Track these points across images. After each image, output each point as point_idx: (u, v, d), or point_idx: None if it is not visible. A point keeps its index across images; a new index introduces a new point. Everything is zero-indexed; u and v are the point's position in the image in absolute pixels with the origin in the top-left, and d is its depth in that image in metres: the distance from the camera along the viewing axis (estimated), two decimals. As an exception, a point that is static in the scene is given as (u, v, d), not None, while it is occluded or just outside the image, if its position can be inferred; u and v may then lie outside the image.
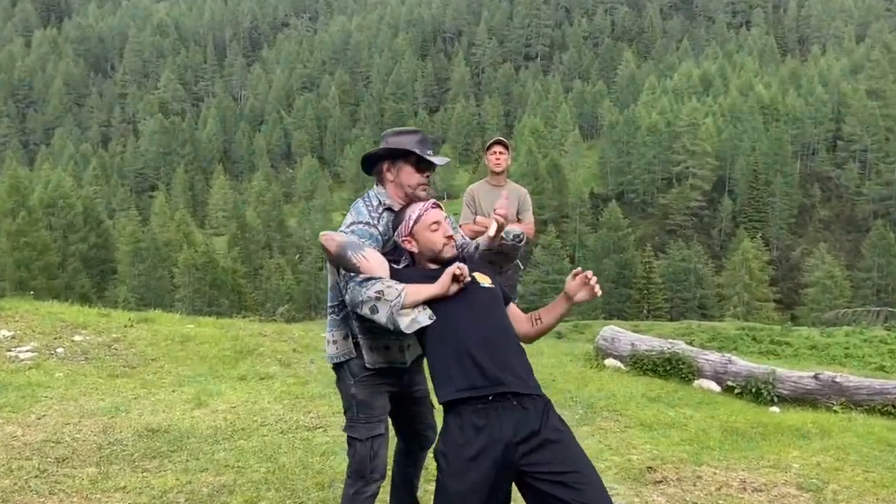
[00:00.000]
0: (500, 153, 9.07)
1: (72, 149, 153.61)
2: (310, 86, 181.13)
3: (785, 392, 10.43)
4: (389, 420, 4.91)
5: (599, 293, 4.32)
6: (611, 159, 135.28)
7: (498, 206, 4.68)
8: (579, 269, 4.40)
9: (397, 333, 4.25)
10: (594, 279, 4.30)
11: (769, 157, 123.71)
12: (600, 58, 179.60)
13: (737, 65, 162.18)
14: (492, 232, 4.66)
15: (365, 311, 4.20)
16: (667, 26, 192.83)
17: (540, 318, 4.51)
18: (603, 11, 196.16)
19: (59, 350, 10.53)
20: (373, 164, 4.77)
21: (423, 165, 4.64)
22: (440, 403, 4.06)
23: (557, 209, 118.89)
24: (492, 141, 9.24)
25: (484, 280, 4.45)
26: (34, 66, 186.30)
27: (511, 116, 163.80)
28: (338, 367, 4.76)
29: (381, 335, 4.53)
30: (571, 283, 4.34)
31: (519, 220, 8.96)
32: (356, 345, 4.66)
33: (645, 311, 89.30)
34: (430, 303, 4.20)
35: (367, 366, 4.63)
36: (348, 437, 4.75)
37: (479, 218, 8.82)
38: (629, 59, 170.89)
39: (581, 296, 4.33)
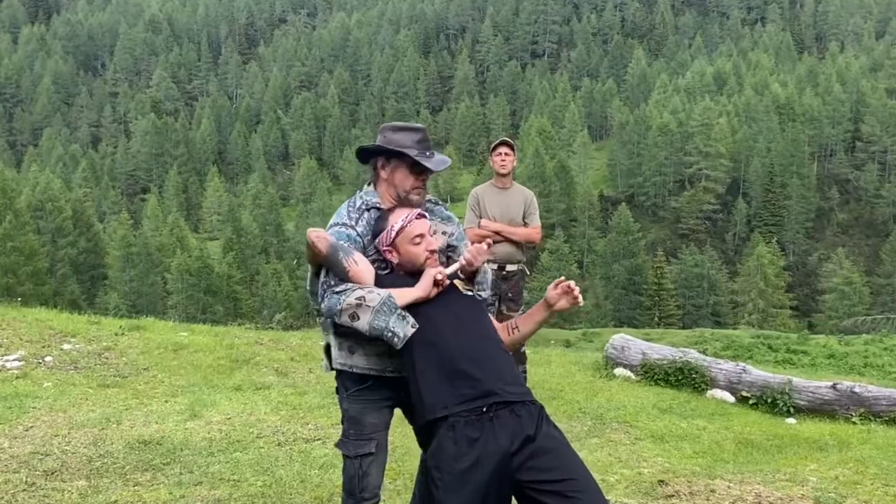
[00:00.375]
0: (506, 154, 9.07)
1: (60, 150, 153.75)
2: (308, 84, 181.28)
3: (802, 403, 10.42)
4: (394, 437, 4.86)
5: (581, 303, 4.31)
6: (621, 161, 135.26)
7: (470, 251, 4.56)
8: (562, 278, 4.40)
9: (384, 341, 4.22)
10: (577, 289, 4.29)
11: (785, 159, 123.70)
12: (610, 55, 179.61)
13: (751, 63, 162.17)
14: (450, 270, 4.59)
15: (344, 318, 4.19)
16: (679, 22, 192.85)
17: (517, 327, 4.53)
18: (613, 7, 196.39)
19: (48, 359, 10.54)
20: (368, 156, 4.70)
21: (418, 168, 4.54)
22: (429, 418, 4.04)
23: (565, 212, 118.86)
24: (497, 142, 9.24)
25: (464, 287, 4.46)
26: (21, 64, 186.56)
27: (517, 116, 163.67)
28: (337, 376, 4.69)
29: (371, 339, 4.36)
30: (552, 292, 4.35)
31: (525, 225, 8.98)
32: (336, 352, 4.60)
33: (656, 319, 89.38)
34: (411, 311, 4.19)
35: (345, 367, 4.54)
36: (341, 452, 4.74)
37: (483, 221, 8.82)
38: (640, 56, 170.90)
39: (561, 304, 4.34)
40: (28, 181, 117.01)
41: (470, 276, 4.55)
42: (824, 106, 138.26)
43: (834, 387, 10.47)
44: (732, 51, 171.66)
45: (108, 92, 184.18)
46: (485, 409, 3.88)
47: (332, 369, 4.70)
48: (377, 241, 4.47)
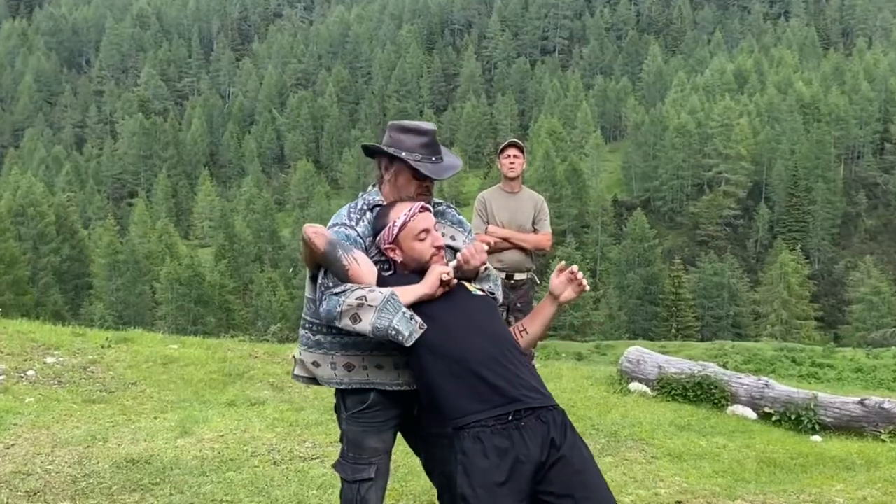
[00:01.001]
0: (515, 157, 9.10)
1: (43, 151, 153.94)
2: (305, 82, 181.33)
3: (827, 419, 10.37)
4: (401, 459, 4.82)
5: (588, 288, 4.34)
6: (636, 163, 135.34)
7: (467, 249, 4.54)
8: (563, 263, 4.41)
9: (391, 347, 4.21)
10: (580, 274, 4.30)
11: (810, 161, 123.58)
12: (624, 52, 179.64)
13: (774, 59, 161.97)
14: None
15: (345, 321, 4.12)
16: (697, 17, 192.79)
17: (525, 329, 4.49)
18: (627, 1, 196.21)
19: (30, 373, 10.54)
20: (374, 153, 4.65)
21: (422, 175, 4.48)
22: (451, 427, 4.02)
23: (577, 218, 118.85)
24: (505, 143, 9.28)
25: (473, 287, 4.42)
26: (2, 61, 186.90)
27: (526, 116, 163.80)
28: (336, 393, 4.64)
29: (371, 350, 4.39)
30: (556, 281, 4.35)
31: (535, 231, 9.03)
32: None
33: (673, 331, 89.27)
34: (419, 312, 4.14)
35: (343, 384, 4.49)
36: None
37: (491, 227, 8.82)
38: (656, 53, 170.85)
39: (567, 294, 4.35)
40: (8, 185, 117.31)
41: (468, 278, 4.52)
42: (851, 105, 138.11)
43: (862, 402, 10.40)
44: (754, 47, 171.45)
45: (94, 90, 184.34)
46: (511, 417, 3.88)
47: (298, 377, 4.67)
48: (378, 238, 4.42)
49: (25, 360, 11.06)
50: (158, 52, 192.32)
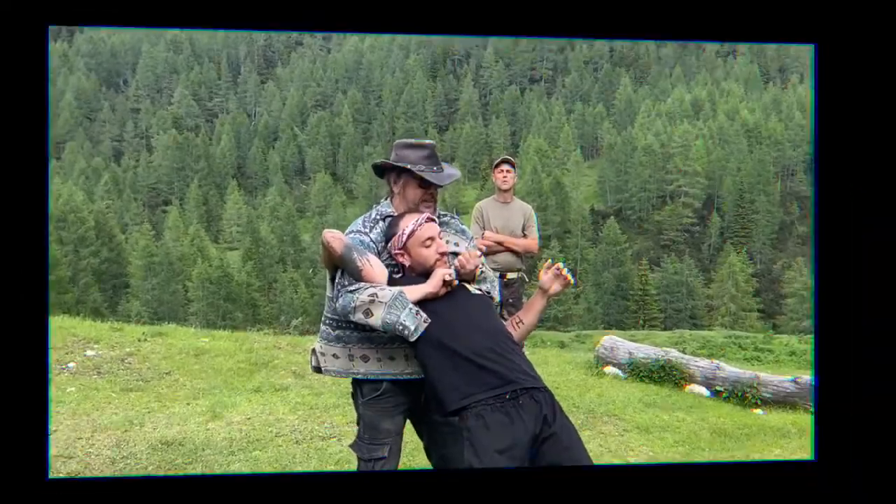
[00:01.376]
0: (507, 171, 9.28)
1: (83, 163, 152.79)
2: (323, 104, 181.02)
3: (768, 395, 10.97)
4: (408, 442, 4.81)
5: (573, 282, 4.42)
6: (609, 178, 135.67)
7: (463, 255, 4.52)
8: (549, 261, 4.53)
9: (401, 341, 4.22)
10: (566, 270, 4.41)
11: (753, 178, 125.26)
12: (600, 82, 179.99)
13: (724, 91, 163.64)
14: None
15: (358, 316, 4.17)
16: (661, 53, 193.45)
17: (521, 321, 4.56)
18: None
19: (71, 365, 10.42)
20: (383, 172, 4.71)
21: (426, 183, 4.54)
22: (449, 413, 4.06)
23: (560, 225, 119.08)
24: (499, 160, 9.44)
25: (472, 288, 4.47)
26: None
27: (517, 136, 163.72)
28: (353, 381, 4.64)
29: (385, 343, 4.42)
30: (545, 277, 4.45)
31: (525, 236, 9.19)
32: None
33: (641, 322, 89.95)
34: (424, 309, 4.19)
35: (360, 375, 4.51)
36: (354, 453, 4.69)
37: (487, 233, 9.03)
38: (626, 83, 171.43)
39: (555, 288, 4.45)
40: (51, 193, 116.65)
41: (468, 279, 4.54)
42: (787, 131, 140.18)
43: (795, 381, 11.08)
44: (707, 80, 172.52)
45: (131, 108, 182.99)
46: (508, 396, 3.92)
47: (317, 369, 4.67)
48: (389, 245, 4.47)
49: (67, 354, 10.96)
50: (190, 74, 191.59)
